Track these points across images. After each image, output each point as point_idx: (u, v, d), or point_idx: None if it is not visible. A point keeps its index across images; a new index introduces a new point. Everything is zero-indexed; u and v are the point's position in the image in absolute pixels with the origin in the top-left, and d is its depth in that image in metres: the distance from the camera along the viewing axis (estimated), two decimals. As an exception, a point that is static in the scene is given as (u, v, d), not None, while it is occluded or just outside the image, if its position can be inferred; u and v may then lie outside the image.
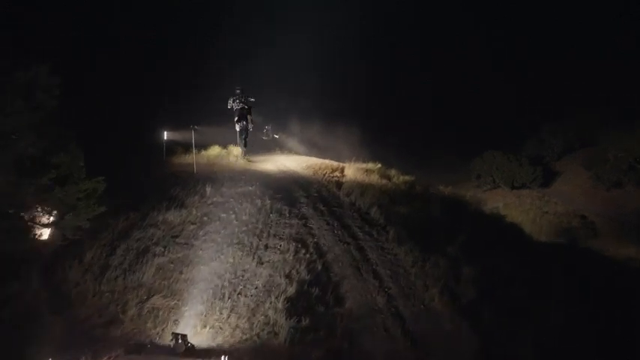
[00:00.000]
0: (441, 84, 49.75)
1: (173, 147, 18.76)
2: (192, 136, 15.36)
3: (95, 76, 19.83)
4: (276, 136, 43.83)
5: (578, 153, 40.83)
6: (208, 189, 12.73)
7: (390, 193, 14.99)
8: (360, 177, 17.06)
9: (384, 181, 16.85)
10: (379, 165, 22.20)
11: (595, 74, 43.44)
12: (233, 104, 15.32)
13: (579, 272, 11.79)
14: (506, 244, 12.46)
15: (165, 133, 17.40)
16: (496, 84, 47.68)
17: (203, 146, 19.53)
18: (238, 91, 15.18)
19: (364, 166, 20.78)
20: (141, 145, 17.81)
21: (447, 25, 52.93)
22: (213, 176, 14.64)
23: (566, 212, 34.50)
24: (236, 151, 19.83)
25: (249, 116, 15.49)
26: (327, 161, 20.99)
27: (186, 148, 18.38)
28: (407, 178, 18.56)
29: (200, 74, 29.39)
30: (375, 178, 16.99)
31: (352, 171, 18.21)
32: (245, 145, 15.96)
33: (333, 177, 16.89)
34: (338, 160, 23.56)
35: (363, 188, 14.88)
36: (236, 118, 15.37)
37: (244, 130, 15.79)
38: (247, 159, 18.82)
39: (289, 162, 19.96)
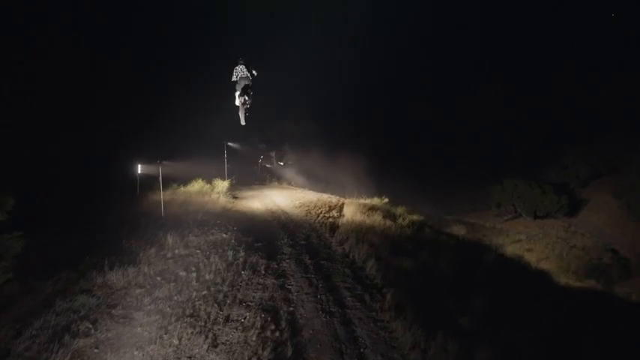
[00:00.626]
0: (456, 110, 48.14)
1: (152, 182, 17.08)
2: (160, 173, 13.47)
3: (59, 102, 18.39)
4: (281, 164, 42.35)
5: (605, 179, 38.31)
6: (170, 238, 10.81)
7: (393, 240, 12.88)
8: (360, 217, 15.04)
9: (388, 223, 14.75)
10: (385, 200, 20.36)
11: (621, 97, 41.28)
12: (239, 73, 12.78)
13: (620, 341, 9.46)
14: (533, 304, 10.21)
15: (140, 166, 15.68)
16: (514, 109, 45.78)
17: (186, 180, 17.94)
18: (242, 62, 12.81)
19: (368, 202, 18.94)
20: (114, 181, 16.12)
21: (461, 49, 51.64)
22: (184, 219, 12.78)
23: (595, 246, 31.98)
24: (221, 185, 18.13)
25: (250, 91, 13.03)
26: (325, 196, 19.12)
27: (167, 182, 16.72)
28: (415, 217, 16.45)
29: (190, 101, 27.90)
30: (377, 219, 14.92)
31: (352, 209, 16.27)
32: (245, 121, 13.30)
33: (328, 218, 14.89)
34: (340, 193, 21.69)
35: (361, 233, 12.83)
36: (238, 92, 12.90)
37: (244, 106, 13.15)
38: (233, 195, 17.05)
39: (282, 198, 18.08)
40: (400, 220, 15.40)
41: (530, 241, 33.17)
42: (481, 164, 42.90)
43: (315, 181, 29.14)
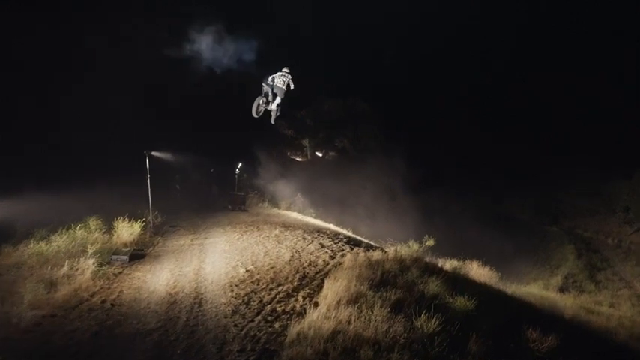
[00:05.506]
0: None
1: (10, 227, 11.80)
2: None
3: None
4: (319, 155, 36.17)
5: None
6: None
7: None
8: (345, 313, 8.65)
9: (395, 329, 8.06)
10: (428, 242, 14.08)
11: None
12: (277, 82, 13.64)
13: None
14: None
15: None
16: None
17: (71, 222, 12.41)
18: (287, 71, 13.69)
19: (391, 253, 12.65)
20: None
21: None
22: None
23: None
24: (127, 232, 12.48)
25: (278, 97, 13.69)
26: (314, 246, 13.18)
27: (30, 230, 11.45)
28: (461, 299, 9.72)
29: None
30: (375, 318, 8.37)
31: (344, 283, 10.27)
32: (256, 114, 13.93)
33: (275, 319, 8.85)
34: (357, 225, 15.27)
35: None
36: (261, 98, 13.71)
37: (265, 106, 13.87)
38: (136, 251, 11.20)
39: (228, 255, 12.42)
40: (422, 320, 8.41)
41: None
42: (605, 150, 34.62)
43: (330, 203, 22.66)
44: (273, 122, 14.13)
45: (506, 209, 36.42)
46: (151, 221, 15.53)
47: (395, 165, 26.85)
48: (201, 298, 9.47)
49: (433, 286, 10.41)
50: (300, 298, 9.56)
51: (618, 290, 25.59)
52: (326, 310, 8.76)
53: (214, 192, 25.83)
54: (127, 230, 13.10)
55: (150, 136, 18.77)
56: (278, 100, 13.67)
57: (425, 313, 8.51)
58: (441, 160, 34.30)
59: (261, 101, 13.72)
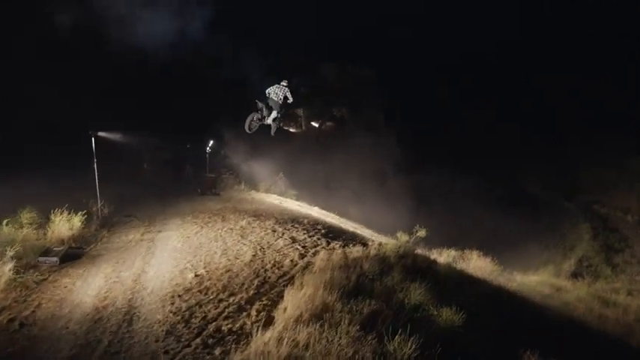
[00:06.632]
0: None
1: None
2: None
3: None
4: (315, 125, 34.60)
5: None
6: None
7: None
8: (303, 335, 7.36)
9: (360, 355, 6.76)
10: (419, 233, 13.05)
11: None
12: (273, 95, 13.81)
13: None
14: None
15: None
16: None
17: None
18: (285, 84, 13.91)
19: (373, 248, 11.42)
20: None
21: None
22: None
23: None
24: (65, 226, 11.32)
25: (274, 112, 13.99)
26: (284, 241, 12.00)
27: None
28: (446, 313, 8.42)
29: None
30: (343, 340, 7.08)
31: (310, 291, 9.16)
32: (249, 129, 14.35)
33: (222, 339, 7.54)
34: (346, 209, 14.00)
35: None
36: (261, 107, 13.90)
37: (260, 118, 14.24)
38: (71, 249, 10.01)
39: (179, 255, 10.89)
40: (397, 343, 7.07)
41: None
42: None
43: (316, 185, 21.29)
44: (272, 134, 14.59)
45: (515, 184, 35.14)
46: (99, 211, 14.21)
47: (390, 143, 25.45)
48: (134, 313, 8.12)
49: (416, 294, 9.05)
50: (253, 312, 8.21)
51: (637, 275, 24.33)
52: (282, 329, 7.45)
53: (188, 173, 24.52)
54: (65, 224, 11.81)
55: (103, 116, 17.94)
56: (274, 114, 13.90)
57: (400, 334, 7.16)
58: (440, 144, 32.91)
59: (255, 117, 14.06)
